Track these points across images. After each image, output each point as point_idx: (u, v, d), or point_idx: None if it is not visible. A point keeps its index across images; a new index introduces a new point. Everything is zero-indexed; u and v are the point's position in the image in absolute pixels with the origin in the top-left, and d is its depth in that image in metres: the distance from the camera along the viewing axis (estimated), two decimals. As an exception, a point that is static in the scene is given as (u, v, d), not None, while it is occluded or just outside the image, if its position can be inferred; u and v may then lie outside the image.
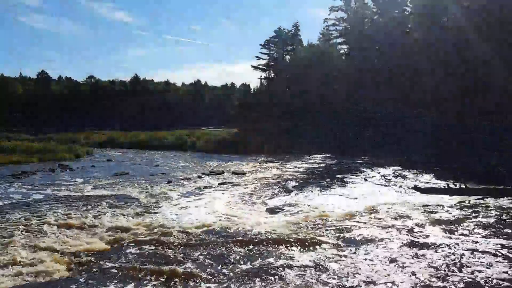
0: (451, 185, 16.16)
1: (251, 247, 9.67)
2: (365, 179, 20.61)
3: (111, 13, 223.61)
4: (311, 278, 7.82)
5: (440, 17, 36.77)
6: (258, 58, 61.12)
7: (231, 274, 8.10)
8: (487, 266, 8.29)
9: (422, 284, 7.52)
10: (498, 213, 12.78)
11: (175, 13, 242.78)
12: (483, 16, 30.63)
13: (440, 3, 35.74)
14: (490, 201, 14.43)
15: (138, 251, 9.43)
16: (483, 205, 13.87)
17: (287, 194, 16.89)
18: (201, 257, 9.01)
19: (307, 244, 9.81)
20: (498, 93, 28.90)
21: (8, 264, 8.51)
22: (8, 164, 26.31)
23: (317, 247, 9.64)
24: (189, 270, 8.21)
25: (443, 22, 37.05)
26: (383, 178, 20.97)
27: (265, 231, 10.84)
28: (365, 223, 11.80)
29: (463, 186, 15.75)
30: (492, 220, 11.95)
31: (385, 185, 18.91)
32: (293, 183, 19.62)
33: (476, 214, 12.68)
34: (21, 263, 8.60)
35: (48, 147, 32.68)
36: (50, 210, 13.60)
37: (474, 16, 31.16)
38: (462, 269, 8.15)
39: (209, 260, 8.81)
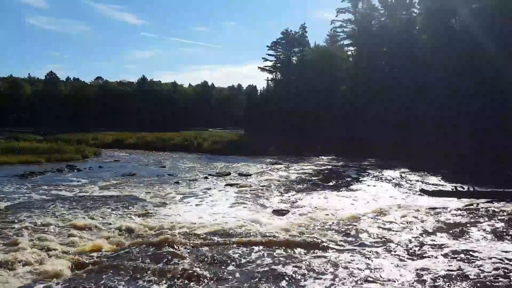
0: (459, 188, 16.00)
1: (256, 248, 9.63)
2: (372, 181, 20.49)
3: (118, 15, 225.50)
4: (316, 280, 7.78)
5: (448, 18, 36.48)
6: (265, 59, 61.08)
7: (236, 275, 8.07)
8: (495, 270, 8.19)
9: (427, 286, 7.46)
10: (507, 217, 12.64)
11: (181, 15, 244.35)
12: (492, 17, 30.32)
13: (448, 4, 35.46)
14: (498, 204, 14.27)
15: (143, 252, 9.43)
16: (491, 209, 13.73)
17: (294, 195, 16.83)
18: (206, 257, 9.00)
19: (313, 246, 9.76)
20: (509, 95, 28.58)
21: (14, 264, 8.54)
22: (17, 164, 26.49)
23: (323, 249, 9.59)
24: (194, 270, 8.19)
25: (452, 23, 36.76)
26: (390, 180, 20.84)
27: (271, 233, 10.81)
28: (371, 225, 11.73)
29: (471, 189, 15.58)
30: (501, 223, 11.81)
31: (392, 187, 18.80)
32: (299, 185, 19.57)
33: (484, 218, 12.54)
34: (27, 263, 8.63)
35: (56, 147, 32.79)
36: (57, 210, 13.66)
37: (484, 17, 30.85)
38: (469, 273, 8.05)
39: (214, 261, 8.80)
